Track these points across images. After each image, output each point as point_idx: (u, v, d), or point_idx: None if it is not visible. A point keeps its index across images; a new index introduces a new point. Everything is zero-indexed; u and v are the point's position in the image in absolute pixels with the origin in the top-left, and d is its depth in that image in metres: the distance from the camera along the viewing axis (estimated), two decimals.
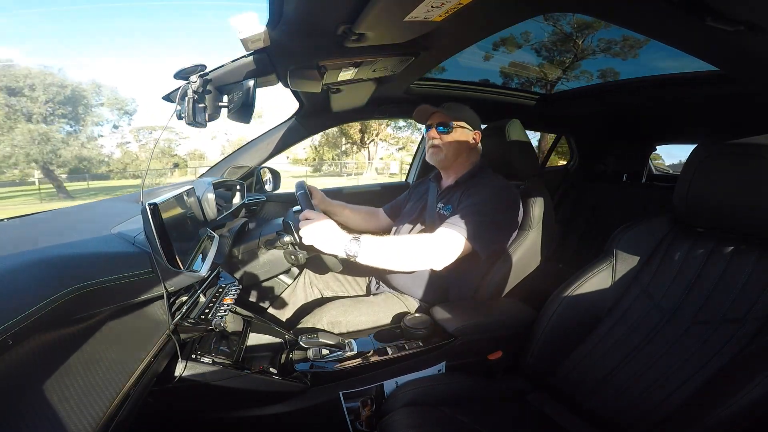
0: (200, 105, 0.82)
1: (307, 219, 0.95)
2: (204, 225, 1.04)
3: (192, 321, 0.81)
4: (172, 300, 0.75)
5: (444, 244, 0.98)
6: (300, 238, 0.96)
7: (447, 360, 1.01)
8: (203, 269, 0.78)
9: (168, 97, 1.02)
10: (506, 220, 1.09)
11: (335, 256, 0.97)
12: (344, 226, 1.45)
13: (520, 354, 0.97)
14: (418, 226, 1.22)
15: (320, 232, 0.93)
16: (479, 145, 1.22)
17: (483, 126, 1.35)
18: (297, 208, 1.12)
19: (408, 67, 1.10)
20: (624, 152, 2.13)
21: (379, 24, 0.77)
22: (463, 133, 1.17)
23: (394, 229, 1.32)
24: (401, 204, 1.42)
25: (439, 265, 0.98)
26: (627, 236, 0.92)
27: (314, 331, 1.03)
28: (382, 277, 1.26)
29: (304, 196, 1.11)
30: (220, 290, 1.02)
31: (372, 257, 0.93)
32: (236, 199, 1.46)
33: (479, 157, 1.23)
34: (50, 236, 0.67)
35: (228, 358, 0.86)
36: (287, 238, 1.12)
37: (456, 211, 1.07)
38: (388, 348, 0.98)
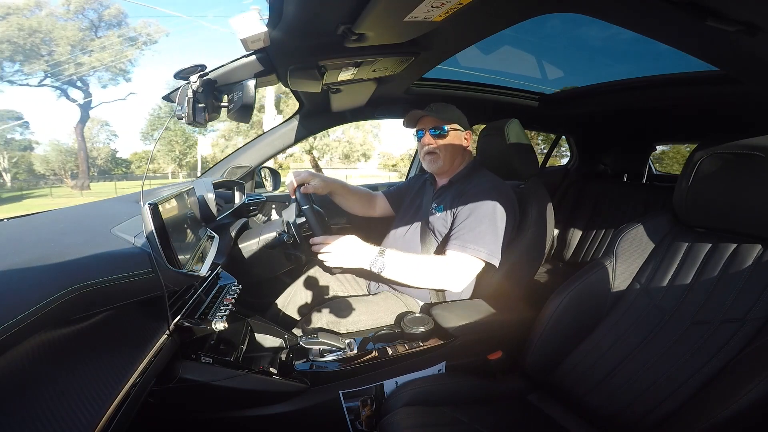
0: (200, 105, 0.82)
1: (323, 244, 0.97)
2: (204, 225, 1.04)
3: (192, 321, 0.81)
4: (172, 300, 0.75)
5: (461, 270, 1.02)
6: (324, 261, 0.99)
7: (447, 360, 1.01)
8: (203, 269, 0.78)
9: (168, 97, 1.02)
10: (505, 220, 1.09)
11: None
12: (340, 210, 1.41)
13: (520, 354, 0.97)
14: (414, 226, 1.22)
15: (345, 252, 0.97)
16: (471, 144, 1.22)
17: (483, 126, 1.34)
18: (294, 203, 1.11)
19: (408, 67, 1.10)
20: (624, 152, 2.13)
21: (379, 24, 0.77)
22: (457, 135, 1.16)
23: (391, 231, 1.31)
24: (403, 193, 1.40)
25: (458, 288, 1.03)
26: (627, 236, 0.92)
27: (314, 331, 1.03)
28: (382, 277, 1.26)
29: (304, 197, 1.09)
30: (220, 290, 1.02)
31: (395, 274, 0.99)
32: (236, 199, 1.46)
33: (472, 156, 1.23)
34: (50, 236, 0.67)
35: (228, 358, 0.86)
36: (287, 238, 1.12)
37: (459, 225, 1.06)
38: (388, 348, 0.98)
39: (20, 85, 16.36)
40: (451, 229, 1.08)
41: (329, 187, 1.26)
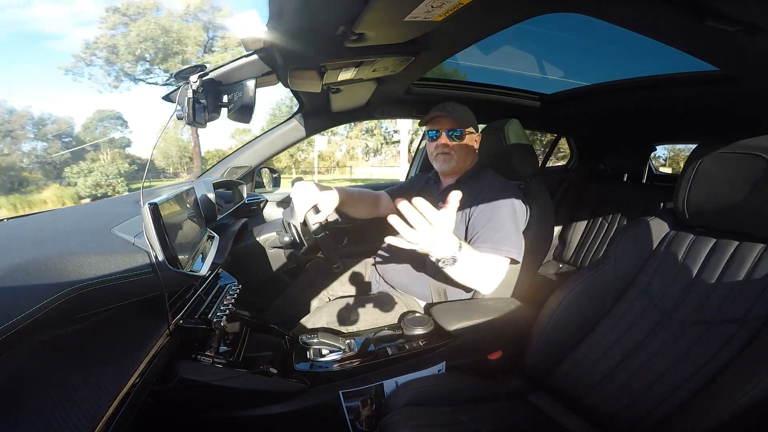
0: (200, 105, 0.82)
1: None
2: (204, 225, 1.04)
3: (192, 321, 0.81)
4: (172, 300, 0.75)
5: (495, 272, 1.00)
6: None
7: (447, 360, 1.01)
8: (203, 269, 0.78)
9: (168, 97, 1.03)
10: (522, 218, 1.10)
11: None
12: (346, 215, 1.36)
13: (520, 354, 0.97)
14: None
15: (440, 240, 0.79)
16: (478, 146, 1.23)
17: (483, 126, 1.35)
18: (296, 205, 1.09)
19: (408, 67, 1.10)
20: (624, 152, 2.13)
21: (379, 24, 0.77)
22: (471, 137, 1.17)
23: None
24: (405, 192, 1.39)
25: (490, 290, 1.01)
26: (627, 236, 0.92)
27: (314, 331, 1.03)
28: (382, 276, 1.26)
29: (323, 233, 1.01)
30: (220, 290, 1.02)
31: (455, 272, 0.90)
32: (236, 199, 1.47)
33: (477, 157, 1.24)
34: (51, 236, 0.67)
35: (228, 358, 0.86)
36: (287, 238, 1.12)
37: (486, 228, 1.04)
38: (388, 348, 0.98)
39: (148, 83, 17.12)
40: (470, 231, 1.08)
41: (341, 201, 1.19)
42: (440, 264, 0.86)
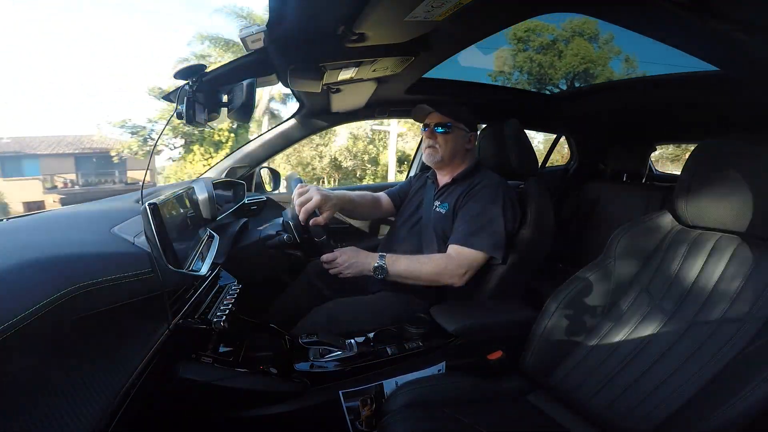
0: (200, 104, 0.82)
1: (331, 260, 1.05)
2: (204, 225, 1.04)
3: (192, 321, 0.81)
4: (171, 300, 0.75)
5: (463, 264, 1.03)
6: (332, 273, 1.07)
7: (447, 360, 1.01)
8: (203, 269, 0.78)
9: (168, 97, 1.02)
10: (508, 217, 1.11)
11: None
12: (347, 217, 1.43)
13: (520, 354, 0.97)
14: (415, 224, 1.23)
15: (350, 263, 1.05)
16: (475, 146, 1.23)
17: (483, 126, 1.35)
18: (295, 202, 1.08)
19: (408, 67, 1.10)
20: (624, 152, 2.13)
21: (379, 24, 0.77)
22: (461, 134, 1.17)
23: (392, 230, 1.31)
24: (405, 192, 1.41)
25: (460, 283, 1.06)
26: (627, 236, 0.92)
27: (314, 331, 1.03)
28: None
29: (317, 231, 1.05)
30: (220, 290, 1.02)
31: (398, 276, 1.05)
32: (236, 199, 1.46)
33: (475, 158, 1.24)
34: (50, 236, 0.67)
35: (228, 358, 0.86)
36: (287, 238, 1.12)
37: (461, 220, 1.08)
38: (388, 348, 0.98)
39: None
40: (455, 226, 1.09)
41: (338, 206, 1.19)
42: (380, 276, 1.05)
